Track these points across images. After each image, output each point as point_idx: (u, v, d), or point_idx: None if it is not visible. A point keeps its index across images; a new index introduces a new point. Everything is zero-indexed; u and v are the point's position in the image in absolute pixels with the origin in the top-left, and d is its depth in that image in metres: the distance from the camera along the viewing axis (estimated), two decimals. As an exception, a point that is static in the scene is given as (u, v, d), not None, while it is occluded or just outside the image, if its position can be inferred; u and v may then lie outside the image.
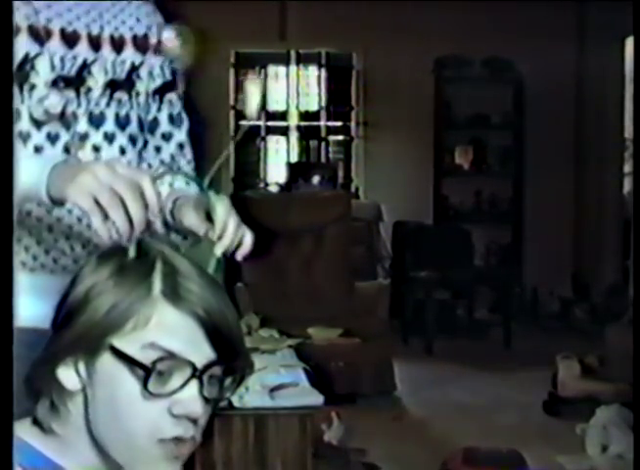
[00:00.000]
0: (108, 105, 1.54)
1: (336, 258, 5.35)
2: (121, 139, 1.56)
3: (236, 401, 2.67)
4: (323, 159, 7.88)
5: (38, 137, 1.47)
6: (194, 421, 1.02)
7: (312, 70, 7.88)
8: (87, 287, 1.04)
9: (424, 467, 3.82)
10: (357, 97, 7.73)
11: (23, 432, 1.07)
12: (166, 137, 1.65)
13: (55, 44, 1.48)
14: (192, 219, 1.26)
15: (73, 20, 1.50)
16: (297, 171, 7.09)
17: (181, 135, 1.66)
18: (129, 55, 1.57)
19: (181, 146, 1.67)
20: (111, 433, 1.03)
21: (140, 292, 1.02)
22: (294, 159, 7.73)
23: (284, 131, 7.88)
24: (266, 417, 2.73)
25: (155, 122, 1.63)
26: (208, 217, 1.31)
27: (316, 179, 6.96)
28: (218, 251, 1.24)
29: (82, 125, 1.51)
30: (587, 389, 4.68)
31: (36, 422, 1.08)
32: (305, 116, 7.90)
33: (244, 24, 7.07)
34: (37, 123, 1.47)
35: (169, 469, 1.03)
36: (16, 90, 1.43)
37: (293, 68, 7.83)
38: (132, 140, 1.58)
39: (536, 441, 4.16)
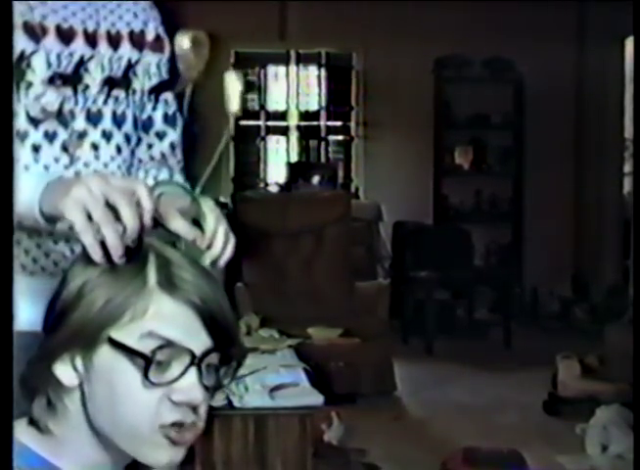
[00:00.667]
0: (105, 102, 1.52)
1: (336, 258, 5.35)
2: (118, 137, 1.55)
3: (236, 401, 2.68)
4: (323, 159, 7.88)
5: (36, 136, 1.45)
6: (194, 408, 1.03)
7: (312, 70, 7.87)
8: (79, 284, 1.05)
9: (424, 467, 3.82)
10: (357, 97, 7.73)
11: (20, 433, 1.07)
12: (160, 136, 1.64)
13: (51, 41, 1.46)
14: (179, 225, 1.26)
15: (69, 16, 1.49)
16: (297, 171, 7.09)
17: (175, 135, 1.65)
18: (126, 51, 1.56)
19: (173, 146, 1.66)
20: (111, 425, 1.03)
21: (135, 285, 1.03)
22: (294, 159, 7.72)
23: (284, 131, 7.88)
24: (266, 417, 2.73)
25: (149, 121, 1.62)
26: (195, 222, 1.31)
27: (316, 179, 6.96)
28: (207, 260, 1.24)
29: (80, 123, 1.49)
30: (587, 389, 4.68)
31: (32, 422, 1.08)
32: (305, 115, 7.90)
33: (244, 24, 7.07)
34: (34, 122, 1.45)
35: (173, 454, 1.04)
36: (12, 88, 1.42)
37: (293, 67, 7.82)
38: (127, 139, 1.57)
39: (536, 441, 4.16)
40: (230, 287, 4.89)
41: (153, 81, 1.60)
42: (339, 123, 7.91)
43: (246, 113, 7.80)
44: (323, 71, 7.84)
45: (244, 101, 1.76)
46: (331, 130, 7.92)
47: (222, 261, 1.31)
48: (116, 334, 1.02)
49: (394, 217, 7.14)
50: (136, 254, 1.06)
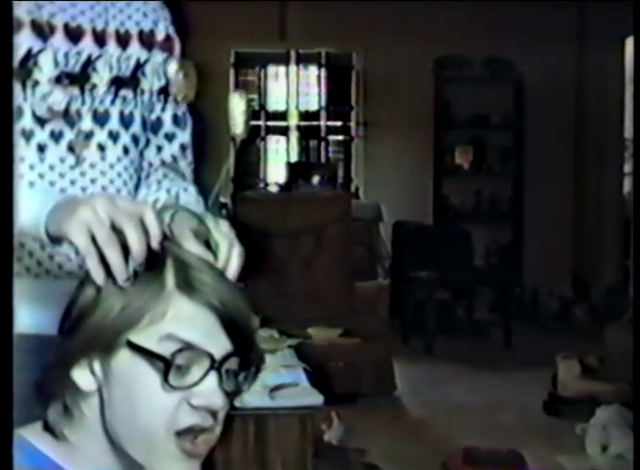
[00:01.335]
0: (112, 102, 1.51)
1: (336, 258, 5.34)
2: (125, 138, 1.53)
3: (236, 401, 2.67)
4: (323, 159, 7.88)
5: (42, 135, 1.44)
6: (213, 413, 1.03)
7: (312, 70, 7.88)
8: (96, 288, 1.04)
9: (424, 467, 3.82)
10: (357, 97, 7.74)
11: (34, 438, 1.06)
12: (169, 137, 1.61)
13: (58, 39, 1.44)
14: (192, 246, 1.26)
15: (77, 14, 1.47)
16: (297, 171, 7.09)
17: (184, 136, 1.63)
18: (135, 51, 1.54)
19: (183, 147, 1.63)
20: (128, 430, 1.02)
21: (153, 288, 1.02)
22: (293, 159, 7.73)
23: (284, 131, 7.88)
24: (266, 417, 2.73)
25: (158, 122, 1.60)
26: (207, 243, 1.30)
27: (316, 179, 6.96)
28: None
29: (87, 123, 1.48)
30: (587, 389, 4.68)
31: (47, 428, 1.07)
32: (305, 115, 7.90)
33: (244, 24, 7.07)
34: (40, 121, 1.43)
35: (188, 467, 1.03)
36: (18, 87, 1.41)
37: (292, 67, 7.83)
38: (135, 140, 1.55)
39: (536, 441, 4.17)
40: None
41: (162, 82, 1.58)
42: (339, 123, 7.91)
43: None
44: (323, 71, 7.84)
45: (247, 122, 1.70)
46: (331, 130, 7.92)
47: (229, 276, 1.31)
48: (135, 337, 1.01)
49: (394, 217, 7.14)
50: (151, 268, 1.04)
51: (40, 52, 1.42)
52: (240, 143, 1.72)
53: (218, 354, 1.01)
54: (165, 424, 1.01)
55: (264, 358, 1.11)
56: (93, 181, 1.48)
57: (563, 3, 7.18)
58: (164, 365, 0.99)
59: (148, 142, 1.59)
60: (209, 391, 1.01)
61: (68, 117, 1.46)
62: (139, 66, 1.54)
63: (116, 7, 1.52)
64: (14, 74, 1.39)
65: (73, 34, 1.45)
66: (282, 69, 7.86)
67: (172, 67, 1.57)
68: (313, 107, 7.91)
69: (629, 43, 7.14)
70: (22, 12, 1.41)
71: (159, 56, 1.57)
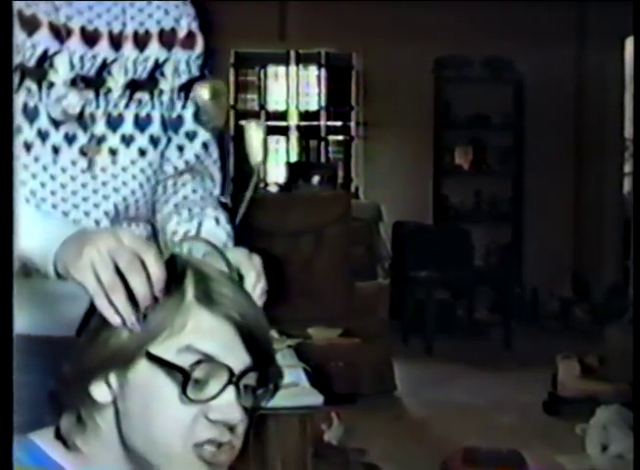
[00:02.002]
0: (127, 106, 1.49)
1: (336, 258, 5.34)
2: (141, 141, 1.51)
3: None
4: (323, 159, 7.88)
5: (56, 137, 1.43)
6: (231, 428, 1.01)
7: (312, 70, 7.88)
8: None
9: (424, 467, 3.82)
10: (357, 97, 7.74)
11: (46, 445, 1.05)
12: (190, 136, 1.59)
13: (74, 43, 1.43)
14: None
15: (94, 18, 1.45)
16: (297, 171, 7.08)
17: (206, 134, 1.60)
18: (154, 51, 1.51)
19: (206, 145, 1.60)
20: (146, 442, 1.01)
21: (174, 301, 1.02)
22: (293, 159, 7.72)
23: (284, 131, 7.88)
24: (266, 417, 2.73)
25: (179, 120, 1.57)
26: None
27: (316, 179, 6.95)
28: None
29: (100, 127, 1.47)
30: (587, 389, 4.68)
31: (59, 436, 1.06)
32: (305, 115, 7.90)
33: (244, 24, 7.07)
34: (55, 123, 1.43)
35: None
36: (34, 87, 1.41)
37: (292, 68, 7.83)
38: (153, 141, 1.53)
39: (536, 441, 4.16)
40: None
41: (182, 79, 1.56)
42: (339, 123, 7.91)
43: (246, 113, 7.81)
44: (323, 71, 7.84)
45: (265, 149, 1.69)
46: (331, 130, 7.92)
47: None
48: (154, 349, 1.00)
49: (394, 217, 7.14)
50: (173, 265, 1.04)
51: (56, 54, 1.42)
52: (258, 171, 1.68)
53: (237, 368, 1.01)
54: (183, 437, 1.00)
55: (283, 375, 1.08)
56: (104, 184, 1.47)
57: (563, 3, 7.18)
58: (183, 377, 0.98)
59: (169, 141, 1.57)
60: (227, 405, 1.00)
61: (83, 120, 1.45)
62: (157, 66, 1.52)
63: (135, 7, 1.51)
64: (30, 74, 1.39)
65: (90, 38, 1.44)
66: (282, 69, 7.86)
67: (203, 92, 1.54)
68: (313, 107, 7.91)
69: (629, 43, 7.14)
70: (40, 12, 1.40)
71: (180, 54, 1.55)
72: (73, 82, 1.43)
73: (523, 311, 7.22)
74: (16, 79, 1.38)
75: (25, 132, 1.40)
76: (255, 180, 1.73)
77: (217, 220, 1.54)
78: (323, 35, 7.40)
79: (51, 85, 1.42)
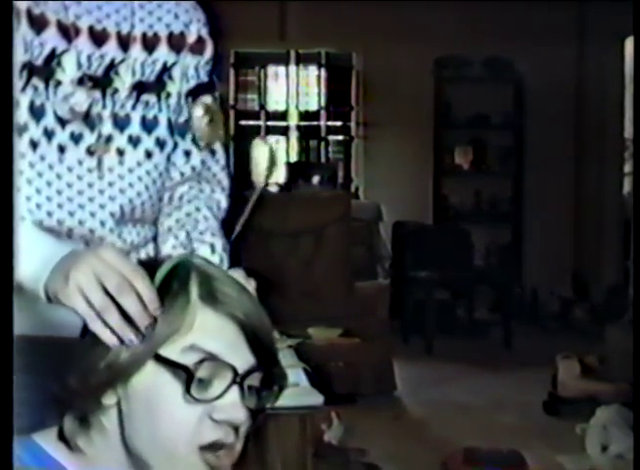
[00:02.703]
0: (134, 107, 1.49)
1: (336, 258, 5.34)
2: (147, 143, 1.51)
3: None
4: (323, 159, 7.88)
5: (62, 136, 1.43)
6: (235, 428, 1.01)
7: (312, 70, 7.88)
8: None
9: (424, 467, 3.82)
10: (357, 97, 7.74)
11: (49, 446, 1.05)
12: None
13: (82, 42, 1.43)
14: None
15: (103, 17, 1.45)
16: (297, 171, 7.08)
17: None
18: (162, 54, 1.51)
19: (213, 151, 1.61)
20: (149, 444, 1.01)
21: (179, 303, 1.02)
22: (293, 159, 7.72)
23: (284, 131, 7.88)
24: (266, 417, 2.73)
25: (186, 125, 1.57)
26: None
27: (316, 179, 6.96)
28: None
29: (107, 127, 1.46)
30: (587, 389, 4.68)
31: (62, 437, 1.05)
32: (305, 115, 7.90)
33: (244, 24, 7.07)
34: (62, 121, 1.42)
35: None
36: (41, 85, 1.40)
37: (292, 67, 7.83)
38: (160, 143, 1.53)
39: (536, 441, 4.16)
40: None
41: (190, 84, 1.55)
42: (339, 123, 7.91)
43: (246, 113, 7.81)
44: (323, 71, 7.84)
45: (270, 170, 1.62)
46: (331, 130, 7.92)
47: None
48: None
49: (394, 217, 7.14)
50: (176, 268, 1.04)
51: (64, 53, 1.42)
52: (262, 188, 1.67)
53: (241, 368, 1.00)
54: (188, 438, 0.99)
55: (287, 377, 1.08)
56: (111, 184, 1.47)
57: (563, 3, 7.18)
58: (187, 376, 0.98)
59: (176, 146, 1.56)
60: (232, 405, 1.00)
61: (89, 119, 1.44)
62: (165, 69, 1.52)
63: (145, 9, 1.50)
64: (37, 72, 1.39)
65: (98, 37, 1.44)
66: (282, 69, 7.86)
67: (197, 111, 1.54)
68: (313, 107, 7.91)
69: (629, 43, 7.14)
70: (49, 11, 1.40)
71: (189, 58, 1.54)
72: (80, 81, 1.43)
73: (523, 311, 7.22)
74: (23, 77, 1.38)
75: (32, 130, 1.40)
76: (255, 198, 1.72)
77: (213, 248, 1.53)
78: (323, 35, 7.40)
79: (58, 84, 1.42)
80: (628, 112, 7.31)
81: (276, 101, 7.90)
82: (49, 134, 1.42)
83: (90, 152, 1.45)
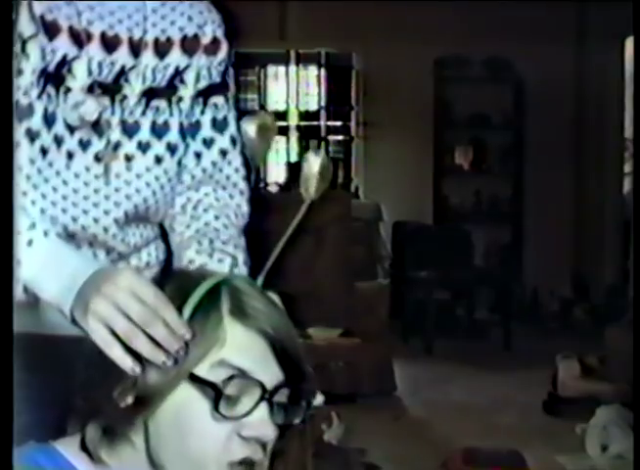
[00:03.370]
0: (143, 113, 1.46)
1: (336, 258, 5.34)
2: (158, 148, 1.48)
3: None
4: (323, 159, 7.86)
5: (71, 142, 1.41)
6: (263, 445, 1.00)
7: (312, 70, 7.88)
8: None
9: (424, 467, 3.82)
10: (357, 97, 7.74)
11: (71, 455, 1.03)
12: (207, 143, 1.55)
13: (94, 48, 1.41)
14: None
15: (115, 23, 1.43)
16: (297, 171, 7.07)
17: (224, 141, 1.56)
18: (174, 59, 1.48)
19: (224, 152, 1.57)
20: (177, 459, 1.00)
21: (212, 321, 1.01)
22: (293, 159, 7.72)
23: (284, 131, 7.88)
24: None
25: (197, 126, 1.54)
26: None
27: (316, 179, 6.94)
28: None
29: (115, 134, 1.44)
30: (587, 389, 4.68)
31: (84, 448, 1.04)
32: (305, 115, 7.90)
33: (244, 24, 7.06)
34: (70, 128, 1.41)
35: None
36: (53, 93, 1.39)
37: (292, 67, 7.82)
38: (170, 148, 1.50)
39: (536, 441, 4.16)
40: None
41: (202, 84, 1.53)
42: (338, 123, 7.91)
43: (246, 113, 7.80)
44: (323, 71, 7.84)
45: (321, 183, 1.56)
46: (331, 130, 7.92)
47: None
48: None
49: (394, 217, 7.15)
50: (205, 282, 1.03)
51: (75, 59, 1.40)
52: (309, 204, 1.65)
53: (270, 384, 0.99)
54: (216, 455, 0.98)
55: (316, 393, 1.06)
56: (117, 190, 1.45)
57: (563, 3, 7.18)
58: (215, 393, 0.97)
59: (187, 148, 1.54)
60: (260, 422, 0.99)
61: (98, 126, 1.43)
62: (177, 73, 1.50)
63: (158, 14, 1.48)
64: (51, 79, 1.38)
65: (109, 43, 1.42)
66: (282, 69, 7.86)
67: (250, 128, 1.51)
68: (313, 107, 7.91)
69: (629, 43, 7.14)
70: (61, 17, 1.38)
71: (203, 60, 1.52)
72: (90, 89, 1.41)
73: (523, 311, 7.22)
74: (40, 85, 1.37)
75: (43, 137, 1.38)
76: (304, 212, 1.68)
77: (235, 261, 1.50)
78: (323, 35, 7.40)
79: (68, 91, 1.40)
80: (628, 112, 7.31)
81: (276, 101, 7.90)
82: (58, 141, 1.40)
83: (98, 158, 1.43)
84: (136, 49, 1.45)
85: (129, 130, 1.46)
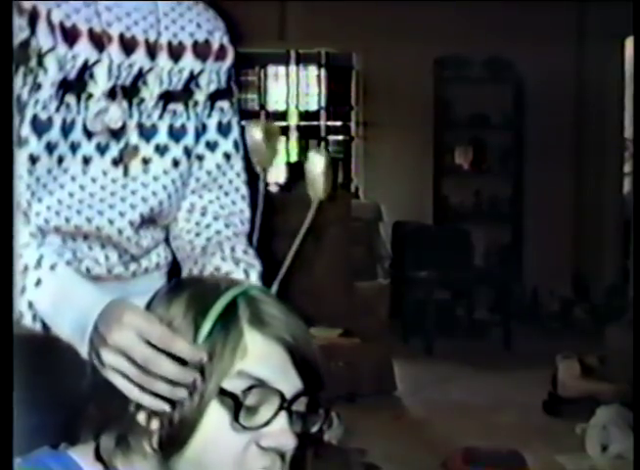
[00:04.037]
0: (161, 117, 1.47)
1: (336, 258, 5.34)
2: (175, 151, 1.49)
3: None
4: (323, 159, 7.87)
5: (88, 147, 1.40)
6: (282, 455, 0.99)
7: (312, 70, 7.87)
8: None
9: (424, 467, 3.82)
10: (357, 97, 7.73)
11: (86, 464, 1.03)
12: (211, 146, 1.56)
13: (114, 50, 1.40)
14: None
15: (132, 25, 1.43)
16: (297, 171, 7.08)
17: (227, 145, 1.57)
18: (188, 63, 1.49)
19: (227, 156, 1.58)
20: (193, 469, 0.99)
21: (231, 334, 1.00)
22: (293, 159, 7.72)
23: (284, 131, 7.87)
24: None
25: (203, 129, 1.55)
26: None
27: (316, 179, 6.95)
28: None
29: (133, 137, 1.44)
30: (587, 389, 4.68)
31: (99, 457, 1.03)
32: (305, 115, 7.90)
33: (244, 24, 7.06)
34: (88, 134, 1.40)
35: None
36: (73, 101, 1.37)
37: (292, 67, 7.82)
38: (187, 152, 1.51)
39: (536, 441, 4.16)
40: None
41: (210, 89, 1.54)
42: (338, 123, 7.91)
43: (246, 113, 7.81)
44: (323, 71, 7.84)
45: (328, 182, 1.57)
46: (331, 130, 7.92)
47: None
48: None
49: (394, 217, 7.14)
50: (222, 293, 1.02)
51: (96, 63, 1.39)
52: (318, 204, 1.65)
53: (289, 393, 0.98)
54: (234, 466, 0.97)
55: (334, 402, 1.06)
56: (134, 193, 1.45)
57: (563, 3, 7.18)
58: (235, 404, 0.96)
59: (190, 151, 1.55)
60: (280, 431, 0.98)
61: (115, 130, 1.42)
62: (192, 78, 1.50)
63: (169, 18, 1.49)
64: (71, 88, 1.37)
65: (127, 45, 1.42)
66: (282, 69, 7.86)
67: (255, 133, 1.52)
68: (313, 107, 7.90)
69: (629, 43, 7.14)
70: (80, 21, 1.38)
71: (214, 65, 1.53)
72: (111, 93, 1.41)
73: (523, 311, 7.21)
74: (58, 97, 1.36)
75: (61, 147, 1.38)
76: (314, 212, 1.69)
77: (255, 269, 1.56)
78: (323, 35, 7.40)
79: (89, 97, 1.39)
80: (628, 112, 7.31)
81: (276, 101, 7.90)
82: (74, 147, 1.40)
83: (115, 162, 1.43)
84: (152, 51, 1.45)
85: (147, 133, 1.46)
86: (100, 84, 1.39)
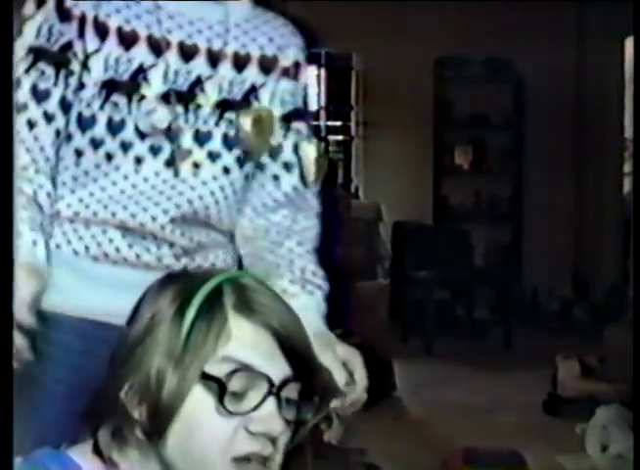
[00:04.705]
0: (217, 124, 1.48)
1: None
2: (227, 159, 1.49)
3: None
4: (323, 159, 7.87)
5: (141, 148, 1.42)
6: (272, 440, 1.00)
7: (312, 70, 7.87)
8: (150, 314, 1.03)
9: (424, 467, 3.82)
10: (357, 97, 7.73)
11: (83, 461, 1.04)
12: (288, 167, 1.56)
13: (172, 57, 1.42)
14: (328, 361, 1.31)
15: (194, 33, 1.44)
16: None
17: (292, 178, 1.58)
18: (251, 75, 1.50)
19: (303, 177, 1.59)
20: (183, 456, 1.00)
21: (215, 321, 1.01)
22: (293, 159, 7.72)
23: (284, 131, 7.88)
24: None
25: (279, 149, 1.55)
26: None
27: (316, 179, 6.94)
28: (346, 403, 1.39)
29: (187, 141, 1.45)
30: (587, 389, 4.68)
31: (97, 451, 1.04)
32: (305, 115, 7.90)
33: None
34: (141, 134, 1.42)
35: None
36: (123, 101, 1.40)
37: (293, 68, 7.82)
38: (240, 162, 1.51)
39: (536, 441, 4.16)
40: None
41: (285, 109, 1.54)
42: (338, 123, 7.91)
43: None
44: (323, 71, 7.84)
45: (319, 169, 1.58)
46: (331, 130, 7.92)
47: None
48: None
49: (394, 217, 7.14)
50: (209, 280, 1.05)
51: (151, 67, 1.41)
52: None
53: (277, 378, 0.99)
54: (222, 450, 0.98)
55: (330, 389, 1.09)
56: (181, 193, 1.46)
57: (563, 3, 7.18)
58: (219, 387, 0.97)
59: (264, 169, 1.55)
60: (268, 416, 0.99)
61: (170, 133, 1.44)
62: (254, 90, 1.51)
63: (241, 29, 1.50)
64: (120, 88, 1.40)
65: (187, 52, 1.44)
66: (282, 69, 7.85)
67: (245, 122, 1.52)
68: (313, 107, 7.90)
69: (629, 43, 7.14)
70: (140, 26, 1.40)
71: (283, 83, 1.54)
72: (165, 96, 1.43)
73: (523, 311, 7.22)
74: (102, 95, 1.39)
75: (108, 144, 1.41)
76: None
77: (324, 292, 1.63)
78: (323, 35, 7.39)
79: (142, 98, 1.42)
80: (628, 112, 7.31)
81: (276, 101, 7.90)
82: (125, 147, 1.42)
83: (168, 163, 1.45)
84: (214, 60, 1.46)
85: (201, 139, 1.47)
86: (154, 87, 1.42)
